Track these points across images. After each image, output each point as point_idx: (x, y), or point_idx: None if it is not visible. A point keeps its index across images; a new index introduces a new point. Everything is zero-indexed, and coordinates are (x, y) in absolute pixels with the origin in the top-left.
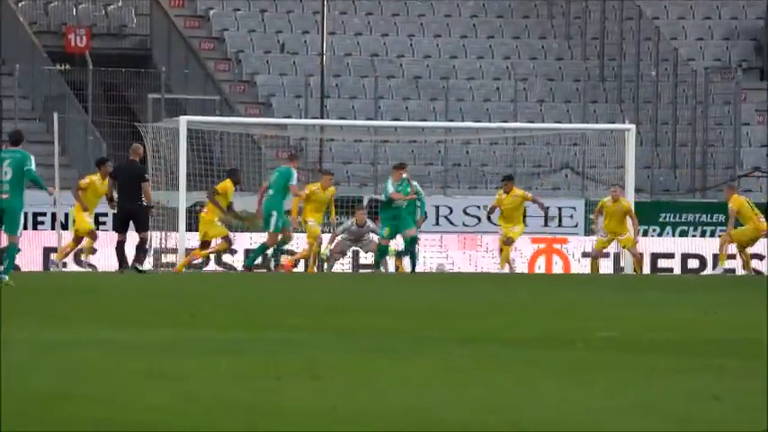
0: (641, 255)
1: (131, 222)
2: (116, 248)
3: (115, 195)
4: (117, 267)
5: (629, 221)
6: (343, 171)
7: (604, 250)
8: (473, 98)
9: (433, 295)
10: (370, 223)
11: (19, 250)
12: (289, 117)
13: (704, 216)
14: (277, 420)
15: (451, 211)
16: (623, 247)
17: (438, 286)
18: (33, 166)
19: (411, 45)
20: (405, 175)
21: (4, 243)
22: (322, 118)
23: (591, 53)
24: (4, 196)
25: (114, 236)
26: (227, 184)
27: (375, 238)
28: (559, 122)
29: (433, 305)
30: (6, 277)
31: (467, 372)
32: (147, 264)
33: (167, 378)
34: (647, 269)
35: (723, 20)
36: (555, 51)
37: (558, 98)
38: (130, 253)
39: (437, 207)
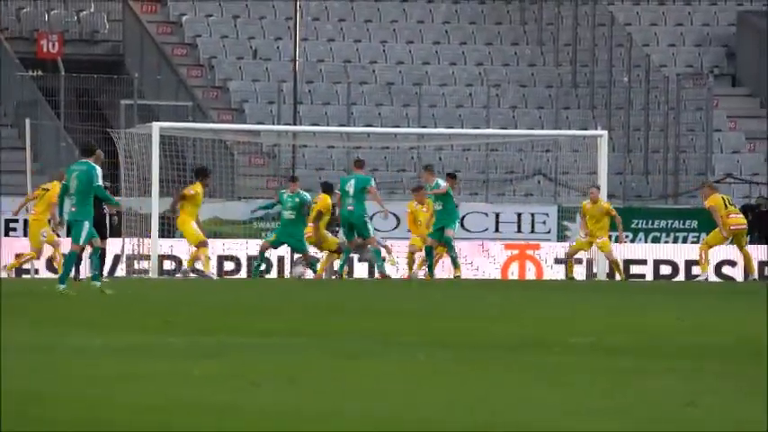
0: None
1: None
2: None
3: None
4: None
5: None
6: (316, 177)
7: (580, 252)
8: (446, 104)
9: (408, 299)
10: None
11: (79, 261)
12: (261, 123)
13: (676, 222)
14: (250, 421)
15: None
16: (600, 250)
17: (413, 291)
18: (100, 180)
19: (384, 51)
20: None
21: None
22: (295, 124)
23: (563, 59)
24: (72, 209)
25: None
26: (197, 187)
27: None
28: (532, 129)
29: (408, 309)
30: (63, 286)
31: (442, 374)
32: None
33: (141, 380)
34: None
35: (695, 26)
36: (527, 57)
37: (531, 104)
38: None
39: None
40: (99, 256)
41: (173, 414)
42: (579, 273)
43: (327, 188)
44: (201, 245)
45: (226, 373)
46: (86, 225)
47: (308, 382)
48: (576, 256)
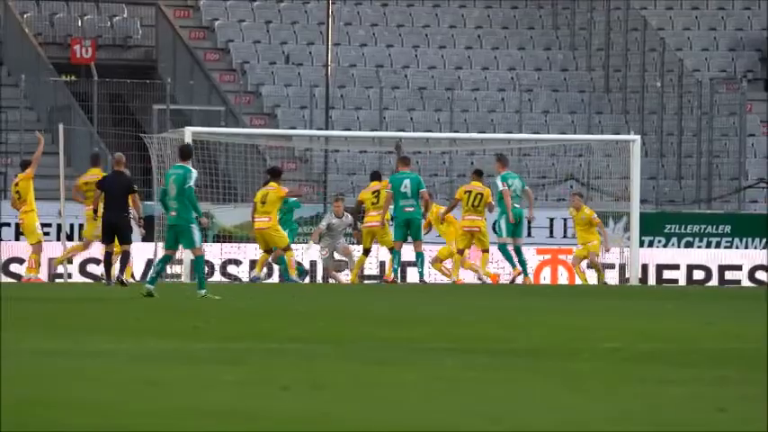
0: (602, 265)
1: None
2: (104, 260)
3: (100, 207)
4: (104, 279)
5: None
6: (348, 182)
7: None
8: (478, 109)
9: (437, 305)
10: (348, 217)
11: (205, 261)
12: (294, 128)
13: (709, 227)
14: (277, 428)
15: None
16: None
17: (442, 297)
18: (193, 183)
19: (416, 56)
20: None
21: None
22: (327, 129)
23: (596, 64)
24: (173, 213)
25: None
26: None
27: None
28: (564, 133)
29: (436, 315)
30: (204, 291)
31: (469, 381)
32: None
33: (167, 386)
34: (651, 280)
35: (728, 30)
36: (560, 62)
37: (563, 109)
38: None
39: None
40: (164, 260)
41: (199, 420)
42: (611, 277)
43: (377, 177)
44: (287, 249)
45: (253, 379)
46: (194, 228)
47: (336, 388)
48: (608, 261)
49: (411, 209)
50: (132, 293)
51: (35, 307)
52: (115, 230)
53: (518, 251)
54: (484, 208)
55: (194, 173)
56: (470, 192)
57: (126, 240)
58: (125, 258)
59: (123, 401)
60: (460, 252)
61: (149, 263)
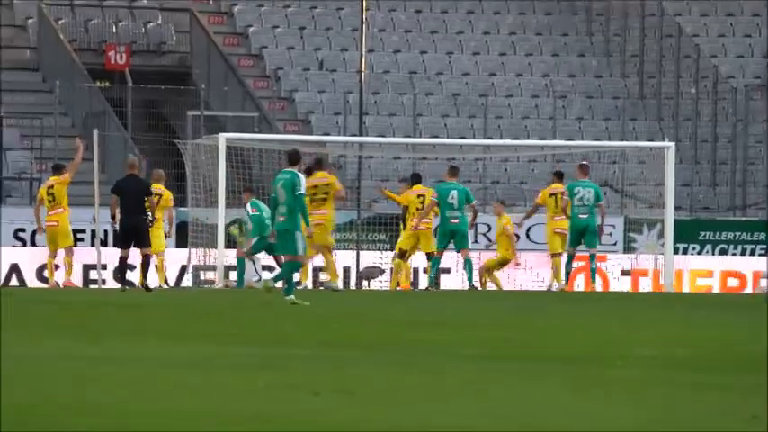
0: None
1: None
2: (118, 266)
3: (117, 212)
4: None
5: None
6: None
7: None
8: (512, 115)
9: (467, 310)
10: None
11: (300, 265)
12: (327, 134)
13: (744, 234)
14: None
15: (490, 229)
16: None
17: (474, 302)
18: (303, 189)
19: (450, 62)
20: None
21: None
22: (361, 135)
23: (630, 70)
24: (281, 219)
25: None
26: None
27: None
28: (598, 140)
29: (467, 320)
30: (292, 296)
31: (498, 386)
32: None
33: (200, 392)
34: (686, 287)
35: (763, 37)
36: (594, 69)
37: (597, 116)
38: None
39: (476, 225)
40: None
41: (231, 425)
42: (646, 285)
43: (418, 180)
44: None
45: (287, 385)
46: (298, 235)
47: (366, 393)
48: (642, 267)
49: (456, 220)
50: (160, 298)
51: (67, 313)
52: (133, 235)
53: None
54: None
55: (302, 178)
56: (555, 194)
57: (145, 244)
58: (146, 263)
59: (156, 406)
60: (558, 255)
61: (183, 269)
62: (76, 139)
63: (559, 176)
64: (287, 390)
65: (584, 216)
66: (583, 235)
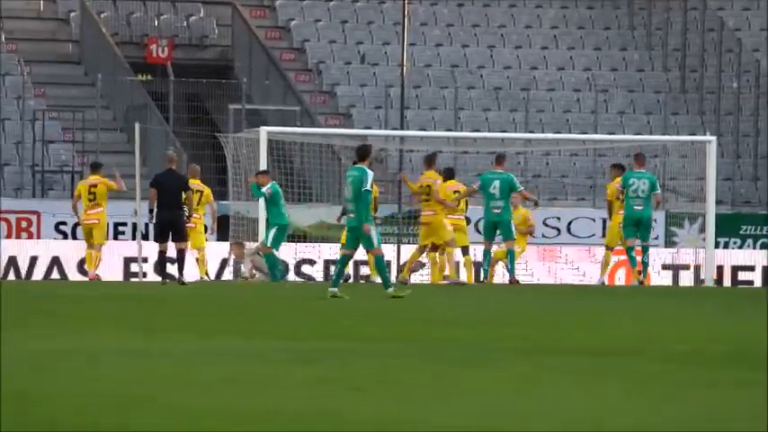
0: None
1: (171, 233)
2: (158, 259)
3: (155, 206)
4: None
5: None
6: None
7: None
8: (553, 109)
9: (510, 306)
10: None
11: (383, 258)
12: (369, 128)
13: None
14: (350, 428)
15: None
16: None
17: (515, 297)
18: (369, 186)
19: (491, 56)
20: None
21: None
22: (402, 129)
23: (672, 65)
24: (351, 215)
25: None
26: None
27: None
28: (640, 134)
29: (510, 316)
30: (391, 289)
31: (540, 383)
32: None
33: (241, 385)
34: (727, 282)
35: None
36: (636, 63)
37: (639, 110)
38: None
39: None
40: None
41: (271, 420)
42: (687, 278)
43: (451, 175)
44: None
45: (326, 379)
46: (371, 230)
47: (407, 388)
48: (684, 262)
49: (498, 210)
50: (198, 292)
51: (111, 306)
52: (171, 228)
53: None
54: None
55: (370, 174)
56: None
57: (181, 238)
58: (182, 257)
59: (196, 402)
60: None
61: (224, 262)
62: (113, 169)
63: (620, 168)
64: (327, 384)
65: (639, 207)
66: (638, 226)
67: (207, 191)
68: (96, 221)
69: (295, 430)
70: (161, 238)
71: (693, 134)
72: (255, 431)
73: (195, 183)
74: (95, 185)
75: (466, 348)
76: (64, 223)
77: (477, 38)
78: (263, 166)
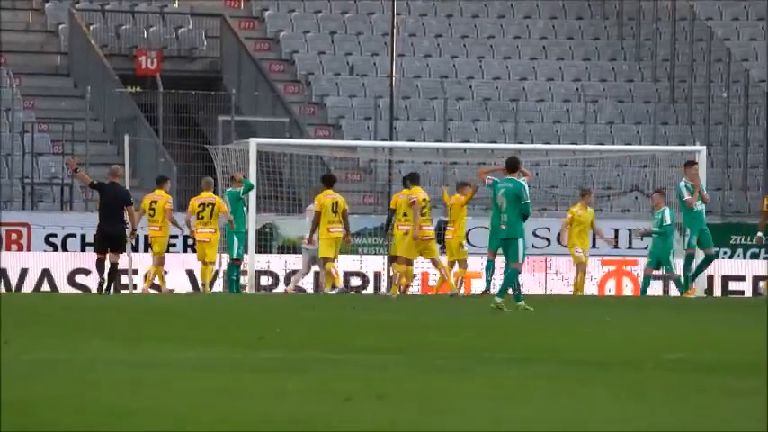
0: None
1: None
2: (96, 266)
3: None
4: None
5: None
6: None
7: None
8: (543, 120)
9: (498, 315)
10: None
11: (518, 272)
12: (358, 139)
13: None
14: None
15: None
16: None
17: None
18: (527, 198)
19: (480, 67)
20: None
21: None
22: (391, 140)
23: (661, 75)
24: (503, 227)
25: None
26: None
27: None
28: (629, 144)
29: (498, 325)
30: (522, 302)
31: (532, 391)
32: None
33: (233, 396)
34: (717, 291)
35: None
36: (625, 73)
37: (629, 120)
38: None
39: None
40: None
41: (262, 429)
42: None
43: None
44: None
45: (316, 389)
46: (520, 242)
47: (399, 398)
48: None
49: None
50: (199, 304)
51: (99, 316)
52: (110, 241)
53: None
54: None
55: (525, 186)
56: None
57: (118, 250)
58: (114, 269)
59: (188, 411)
60: None
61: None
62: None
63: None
64: (318, 394)
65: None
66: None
67: (218, 202)
68: (154, 238)
69: None
70: (101, 248)
71: (683, 144)
72: None
73: (208, 195)
74: (156, 202)
75: (455, 357)
76: (54, 235)
77: (467, 49)
78: (252, 177)
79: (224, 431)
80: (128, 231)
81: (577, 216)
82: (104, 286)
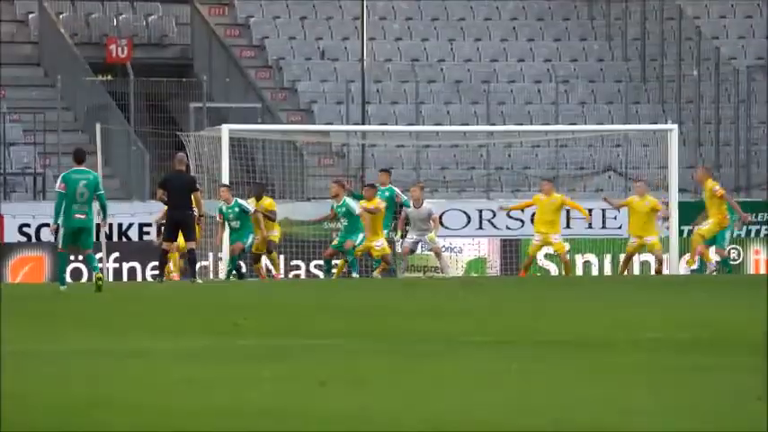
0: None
1: (180, 232)
2: (159, 257)
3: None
4: (158, 276)
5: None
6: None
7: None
8: (514, 101)
9: (471, 298)
10: (428, 205)
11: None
12: (330, 123)
13: (749, 215)
14: (318, 424)
15: (494, 215)
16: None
17: (476, 290)
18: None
19: (451, 49)
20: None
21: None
22: (363, 124)
23: (632, 54)
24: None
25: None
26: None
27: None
28: (601, 124)
29: (471, 308)
30: None
31: (508, 374)
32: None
33: (208, 385)
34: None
35: (764, 18)
36: (596, 53)
37: (600, 99)
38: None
39: (480, 211)
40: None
41: (239, 418)
42: (651, 267)
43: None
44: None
45: (293, 376)
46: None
47: (375, 383)
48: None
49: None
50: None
51: (77, 306)
52: (181, 227)
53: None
54: None
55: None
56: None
57: (191, 238)
58: (192, 256)
59: (165, 401)
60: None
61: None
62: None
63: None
64: (294, 381)
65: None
66: None
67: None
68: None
69: (263, 427)
70: (171, 236)
71: (655, 123)
72: (223, 429)
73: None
74: None
75: (433, 341)
76: (27, 225)
77: (437, 31)
78: (225, 163)
79: (199, 422)
80: (196, 217)
81: (542, 202)
82: (191, 276)
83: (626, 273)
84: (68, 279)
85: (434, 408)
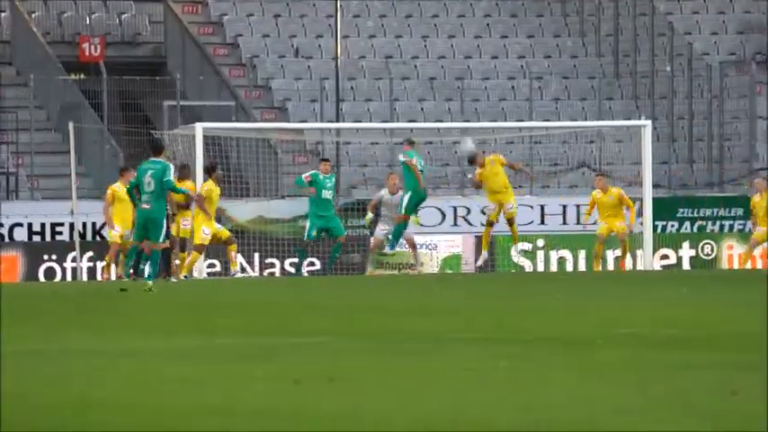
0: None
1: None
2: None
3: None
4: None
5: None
6: (360, 173)
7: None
8: (488, 98)
9: (452, 296)
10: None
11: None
12: (305, 121)
13: (722, 210)
14: (297, 424)
15: (469, 212)
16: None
17: (456, 287)
18: None
19: (425, 46)
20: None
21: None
22: (338, 121)
23: (605, 50)
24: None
25: None
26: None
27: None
28: (575, 120)
29: (452, 306)
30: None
31: (494, 372)
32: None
33: (200, 385)
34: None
35: (737, 14)
36: (569, 49)
37: (574, 96)
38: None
39: (455, 208)
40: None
41: (231, 418)
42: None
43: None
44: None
45: (283, 375)
46: None
47: (366, 382)
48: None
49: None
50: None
51: (66, 306)
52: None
53: None
54: None
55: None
56: None
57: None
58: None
59: (157, 401)
60: None
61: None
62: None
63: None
64: (284, 380)
65: None
66: None
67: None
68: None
69: (255, 426)
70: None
71: (628, 119)
72: (216, 428)
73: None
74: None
75: (421, 339)
76: (1, 225)
77: (411, 28)
78: (199, 162)
79: (191, 422)
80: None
81: (600, 199)
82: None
83: (598, 267)
84: (126, 276)
85: (425, 407)
